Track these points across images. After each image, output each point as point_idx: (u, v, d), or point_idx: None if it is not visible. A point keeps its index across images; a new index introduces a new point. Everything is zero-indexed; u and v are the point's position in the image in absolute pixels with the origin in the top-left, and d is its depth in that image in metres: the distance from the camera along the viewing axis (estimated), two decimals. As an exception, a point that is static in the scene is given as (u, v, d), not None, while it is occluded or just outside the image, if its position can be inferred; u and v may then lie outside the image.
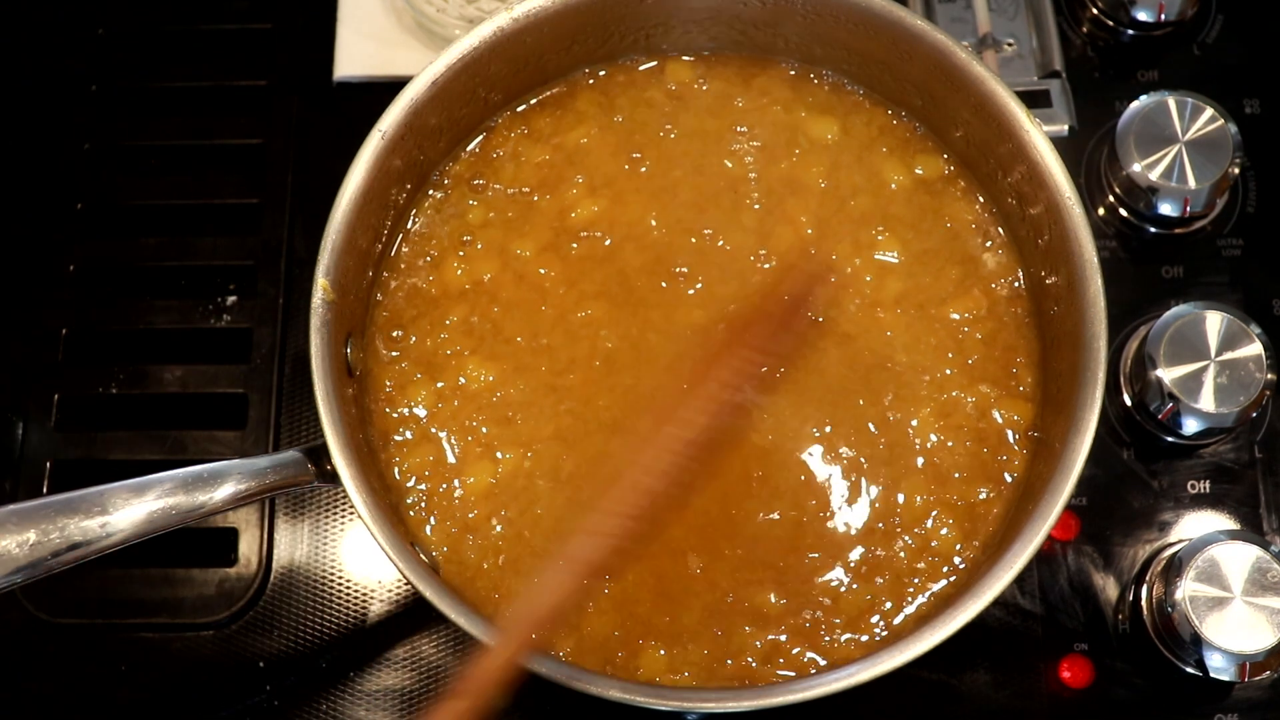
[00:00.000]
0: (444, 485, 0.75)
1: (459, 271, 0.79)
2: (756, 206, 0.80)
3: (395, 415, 0.77)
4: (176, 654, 0.85)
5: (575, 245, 0.80)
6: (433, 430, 0.76)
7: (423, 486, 0.75)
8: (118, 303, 0.93)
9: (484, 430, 0.76)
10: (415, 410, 0.77)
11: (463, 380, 0.77)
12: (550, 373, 0.77)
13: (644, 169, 0.81)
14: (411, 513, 0.75)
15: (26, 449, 0.90)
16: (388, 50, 0.98)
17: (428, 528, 0.75)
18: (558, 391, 0.77)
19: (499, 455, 0.76)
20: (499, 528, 0.74)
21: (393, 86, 0.76)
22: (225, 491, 0.68)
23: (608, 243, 0.80)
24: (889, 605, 0.73)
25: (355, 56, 0.98)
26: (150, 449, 0.89)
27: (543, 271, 0.79)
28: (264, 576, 0.86)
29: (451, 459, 0.76)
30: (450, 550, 0.74)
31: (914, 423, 0.76)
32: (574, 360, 0.77)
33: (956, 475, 0.75)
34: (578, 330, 0.78)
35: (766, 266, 0.79)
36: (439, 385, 0.77)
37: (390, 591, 0.86)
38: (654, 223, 0.80)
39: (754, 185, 0.81)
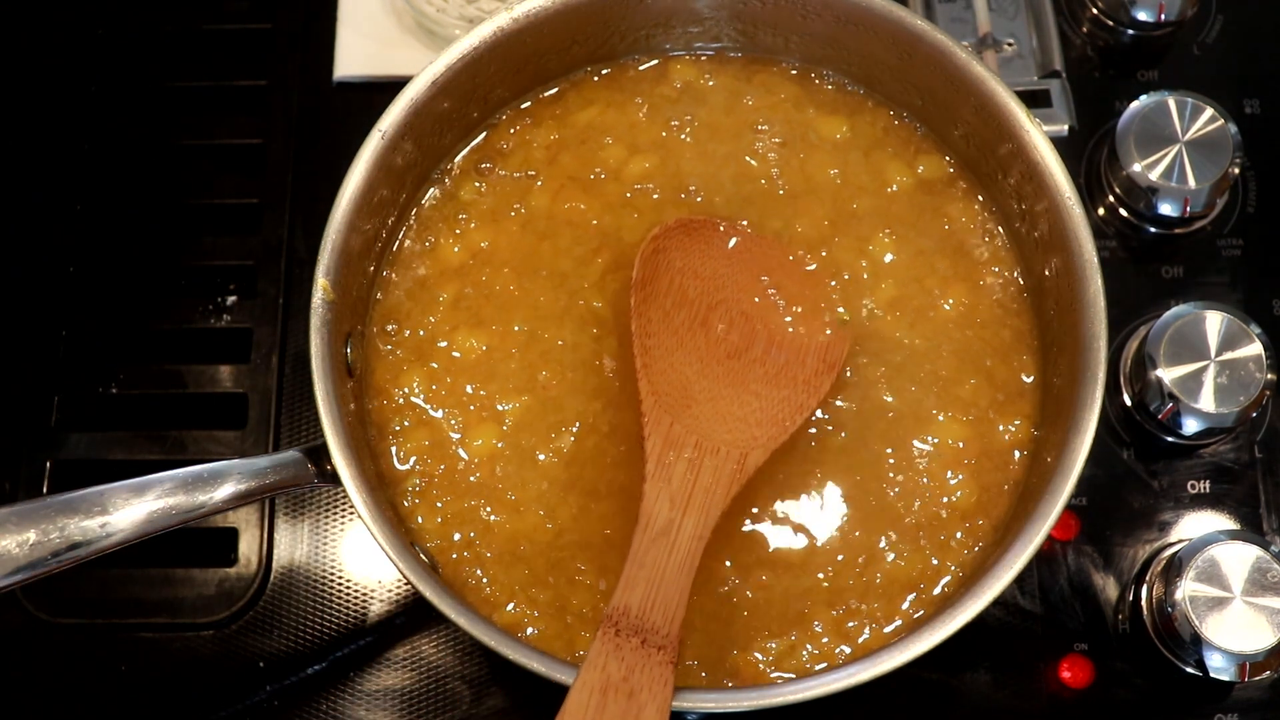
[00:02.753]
0: (443, 466, 0.76)
1: (455, 249, 0.80)
2: (781, 191, 0.81)
3: (393, 406, 0.77)
4: (176, 654, 0.85)
5: (591, 183, 0.81)
6: (431, 412, 0.77)
7: (422, 468, 0.76)
8: (118, 303, 0.94)
9: (483, 393, 0.77)
10: (413, 399, 0.77)
11: (456, 354, 0.78)
12: (543, 298, 0.79)
13: (684, 136, 0.82)
14: (406, 502, 0.75)
15: (26, 449, 0.90)
16: (388, 50, 0.98)
17: (420, 517, 0.75)
18: (566, 296, 0.78)
19: (500, 408, 0.76)
20: (505, 492, 0.75)
21: (393, 86, 0.76)
22: (225, 491, 0.68)
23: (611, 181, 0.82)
24: (877, 620, 0.73)
25: (355, 56, 0.98)
26: (150, 449, 0.90)
27: (566, 205, 0.80)
28: (264, 576, 0.87)
29: (454, 434, 0.76)
30: (444, 542, 0.74)
31: (915, 424, 0.76)
32: (578, 266, 0.79)
33: (956, 475, 0.75)
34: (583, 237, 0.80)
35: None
36: (433, 366, 0.77)
37: (390, 591, 0.86)
38: (693, 185, 0.81)
39: (779, 179, 0.81)
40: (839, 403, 0.76)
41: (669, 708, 0.63)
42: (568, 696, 0.62)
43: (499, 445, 0.76)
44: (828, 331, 0.77)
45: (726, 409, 0.74)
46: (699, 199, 0.81)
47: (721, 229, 0.79)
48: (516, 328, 0.78)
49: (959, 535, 0.74)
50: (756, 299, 0.78)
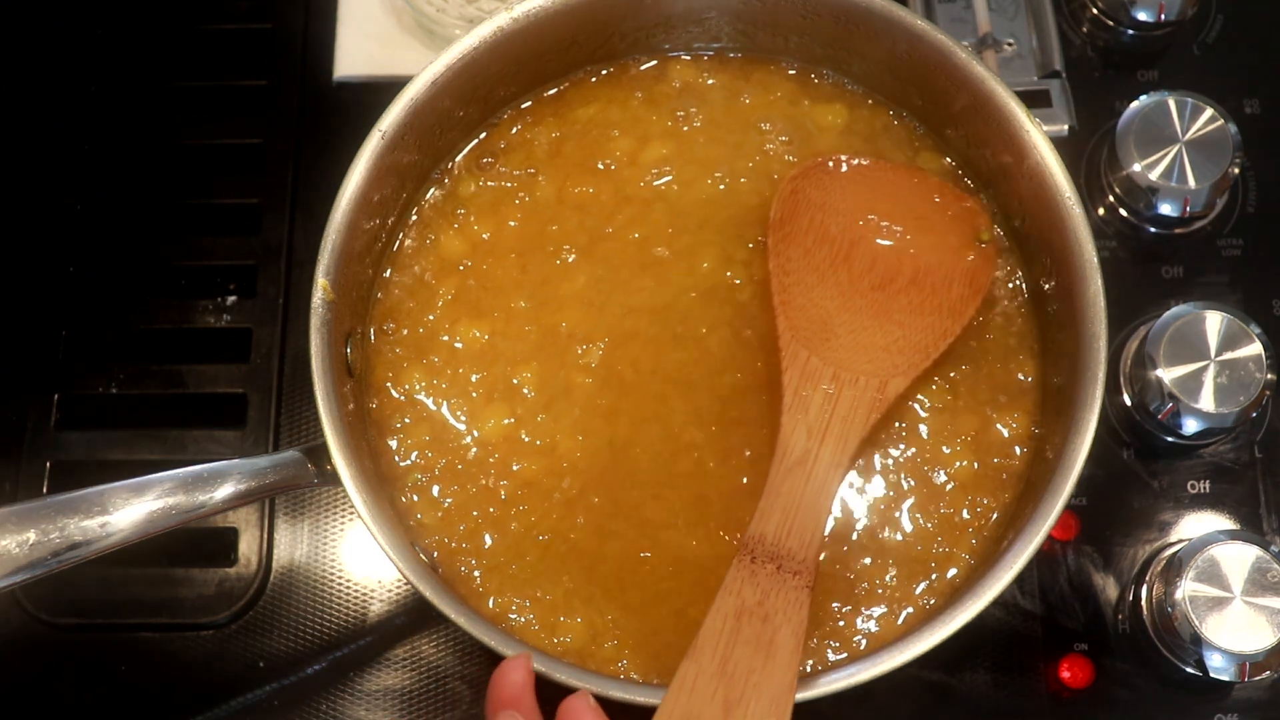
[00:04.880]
0: (444, 460, 0.76)
1: (456, 245, 0.80)
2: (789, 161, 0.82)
3: (393, 403, 0.77)
4: (176, 654, 0.85)
5: (601, 172, 0.82)
6: (432, 407, 0.77)
7: (423, 463, 0.76)
8: (118, 303, 0.93)
9: (489, 376, 0.77)
10: (414, 395, 0.77)
11: (459, 345, 0.78)
12: (555, 262, 0.79)
13: (692, 125, 0.83)
14: (404, 498, 0.75)
15: (26, 449, 0.90)
16: (388, 50, 0.98)
17: (419, 514, 0.75)
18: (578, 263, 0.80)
19: (514, 381, 0.77)
20: (534, 440, 0.76)
21: (393, 86, 0.76)
22: (225, 491, 0.68)
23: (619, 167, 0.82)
24: (879, 614, 0.73)
25: (355, 56, 0.98)
26: (150, 449, 0.89)
27: (576, 190, 0.81)
28: (264, 576, 0.87)
29: (459, 424, 0.76)
30: (444, 537, 0.74)
31: (912, 424, 0.76)
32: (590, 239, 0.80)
33: (956, 475, 0.75)
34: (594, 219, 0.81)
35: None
36: (434, 360, 0.78)
37: (390, 591, 0.86)
38: (719, 171, 0.82)
39: (794, 164, 0.82)
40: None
41: (804, 631, 0.64)
42: (703, 623, 0.64)
43: (507, 422, 0.76)
44: (971, 257, 0.78)
45: (868, 340, 0.75)
46: (725, 183, 0.81)
47: (859, 163, 0.80)
48: (522, 304, 0.78)
49: (965, 514, 0.74)
50: (900, 229, 0.78)
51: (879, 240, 0.78)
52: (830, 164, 0.79)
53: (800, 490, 0.69)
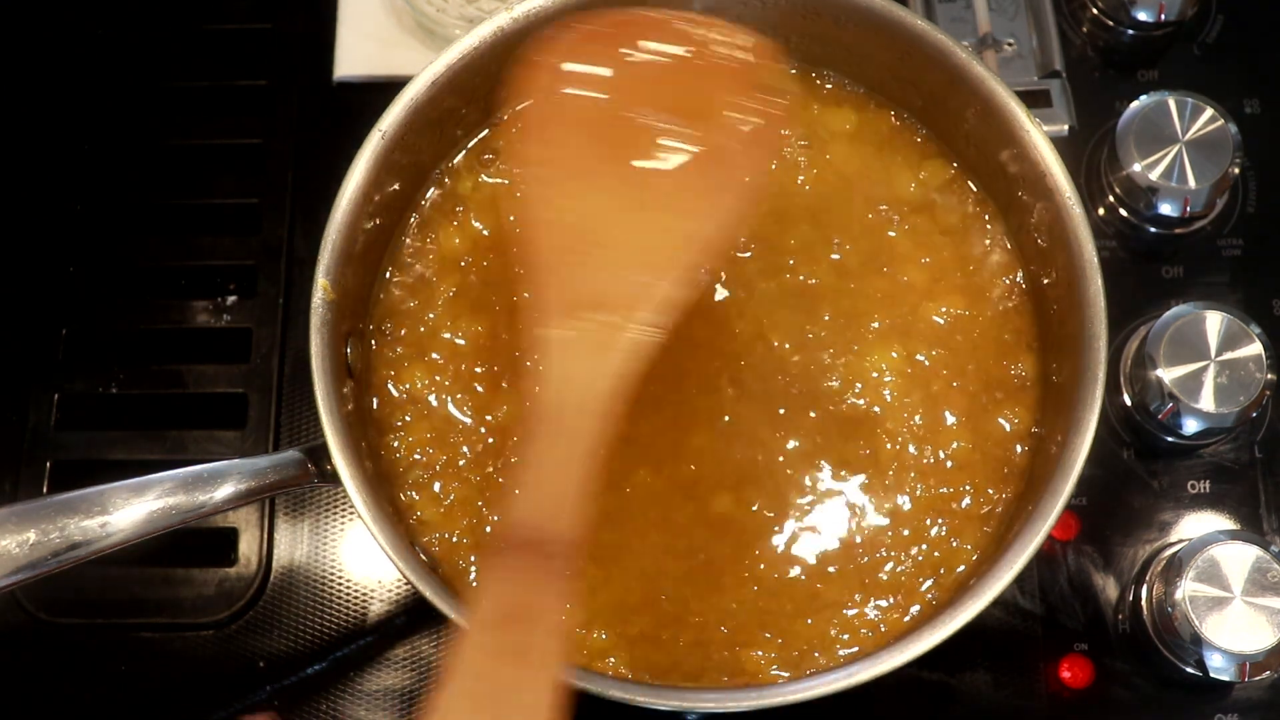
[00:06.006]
0: (446, 455, 0.76)
1: (455, 242, 0.80)
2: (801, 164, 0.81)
3: (394, 402, 0.77)
4: (176, 654, 0.85)
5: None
6: (433, 404, 0.77)
7: (425, 459, 0.76)
8: (118, 303, 0.94)
9: (493, 369, 0.77)
10: (415, 394, 0.77)
11: (461, 342, 0.78)
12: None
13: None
14: (404, 495, 0.75)
15: (26, 449, 0.90)
16: (388, 50, 0.98)
17: (420, 511, 0.75)
18: None
19: (527, 365, 0.76)
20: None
21: (393, 86, 0.76)
22: (225, 491, 0.68)
23: None
24: (878, 620, 0.73)
25: (355, 56, 0.98)
26: (150, 449, 0.90)
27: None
28: (264, 576, 0.87)
29: (465, 419, 0.76)
30: (445, 534, 0.75)
31: (914, 423, 0.76)
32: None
33: (956, 474, 0.75)
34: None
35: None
36: (434, 358, 0.78)
37: (390, 591, 0.86)
38: None
39: (809, 168, 0.81)
40: (833, 382, 0.77)
41: (560, 621, 0.54)
42: (461, 643, 0.53)
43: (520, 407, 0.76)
44: (754, 112, 0.66)
45: (635, 242, 0.63)
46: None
47: (612, 17, 0.69)
48: (526, 295, 0.78)
49: (966, 501, 0.74)
50: (675, 94, 0.66)
51: (653, 120, 0.65)
52: (575, 30, 0.67)
53: (549, 451, 0.58)
